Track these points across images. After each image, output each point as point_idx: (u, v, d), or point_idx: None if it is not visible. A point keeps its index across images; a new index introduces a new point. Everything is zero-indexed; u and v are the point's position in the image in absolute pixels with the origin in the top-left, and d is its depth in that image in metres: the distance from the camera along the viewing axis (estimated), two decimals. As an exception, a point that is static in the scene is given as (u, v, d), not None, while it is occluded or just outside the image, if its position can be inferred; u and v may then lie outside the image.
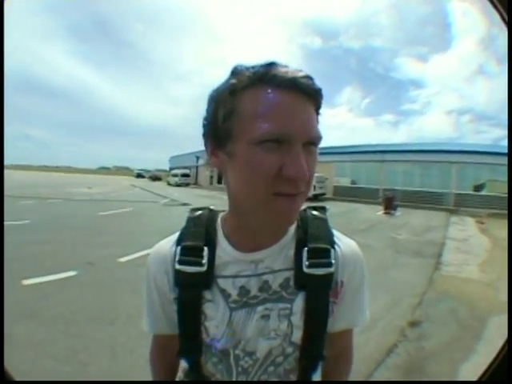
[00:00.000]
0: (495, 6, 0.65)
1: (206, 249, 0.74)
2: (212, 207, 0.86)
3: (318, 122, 0.64)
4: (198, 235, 0.76)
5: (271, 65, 0.59)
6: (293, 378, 0.75)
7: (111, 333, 3.49)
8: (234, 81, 0.61)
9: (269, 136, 0.57)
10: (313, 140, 0.61)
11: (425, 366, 3.14)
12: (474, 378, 0.73)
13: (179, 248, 0.75)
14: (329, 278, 0.72)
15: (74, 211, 13.16)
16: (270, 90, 0.58)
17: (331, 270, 0.72)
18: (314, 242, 0.74)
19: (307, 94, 0.59)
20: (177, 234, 0.80)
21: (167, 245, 0.80)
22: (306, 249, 0.73)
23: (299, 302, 0.72)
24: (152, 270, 0.80)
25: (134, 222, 11.12)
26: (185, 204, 17.47)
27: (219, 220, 0.80)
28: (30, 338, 3.29)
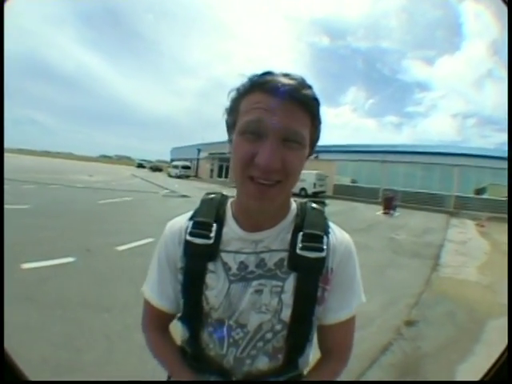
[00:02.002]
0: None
1: (214, 225, 0.84)
2: (224, 193, 0.95)
3: (310, 124, 0.73)
4: (209, 213, 0.87)
5: (266, 74, 0.71)
6: (280, 357, 0.82)
7: (107, 320, 3.50)
8: (240, 86, 0.74)
9: (246, 127, 0.69)
10: (289, 136, 0.68)
11: (421, 365, 3.14)
12: (476, 378, 0.74)
13: (191, 222, 0.86)
14: (320, 262, 0.80)
15: (74, 198, 13.17)
16: (258, 95, 0.69)
17: (322, 254, 0.80)
18: (310, 228, 0.82)
19: (291, 99, 0.67)
20: (191, 212, 0.90)
21: (182, 220, 0.90)
22: (301, 233, 0.81)
23: (290, 282, 0.79)
24: (165, 242, 0.90)
25: (133, 212, 11.14)
26: (184, 196, 17.54)
27: (229, 203, 0.91)
28: (27, 321, 3.30)
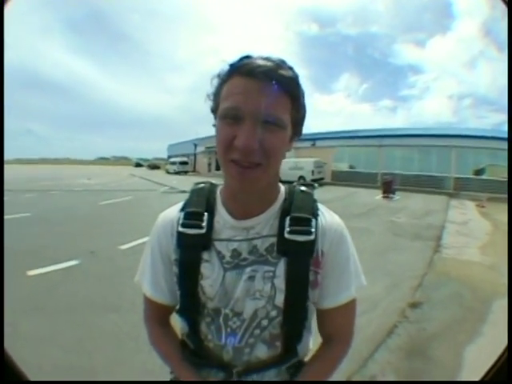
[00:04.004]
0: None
1: (206, 214, 0.84)
2: (213, 181, 0.96)
3: (290, 105, 0.73)
4: (199, 203, 0.87)
5: (243, 58, 0.72)
6: (278, 344, 0.83)
7: (116, 320, 3.52)
8: (221, 72, 0.75)
9: (225, 111, 0.70)
10: (266, 118, 0.68)
11: (427, 347, 3.14)
12: (477, 378, 0.76)
13: (183, 213, 0.86)
14: (309, 245, 0.79)
15: (74, 202, 13.18)
16: (237, 79, 0.70)
17: (311, 237, 0.79)
18: (297, 211, 0.82)
19: (267, 80, 0.68)
20: (181, 203, 0.90)
21: (173, 211, 0.91)
22: (288, 217, 0.81)
23: (282, 266, 0.80)
24: (158, 234, 0.91)
25: (133, 211, 11.17)
26: (183, 191, 17.43)
27: (218, 191, 0.91)
28: (37, 329, 3.32)
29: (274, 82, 0.68)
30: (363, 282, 0.89)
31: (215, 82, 0.77)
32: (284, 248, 0.79)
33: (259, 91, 0.67)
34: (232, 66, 0.72)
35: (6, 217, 8.44)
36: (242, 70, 0.69)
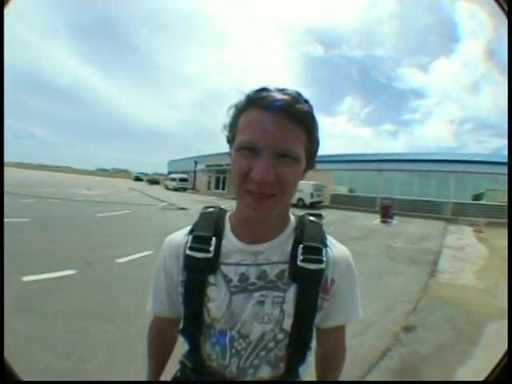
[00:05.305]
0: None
1: (214, 239, 0.85)
2: (222, 206, 0.98)
3: (305, 139, 0.75)
4: (207, 227, 0.88)
5: (261, 90, 0.75)
6: (282, 366, 0.84)
7: (109, 330, 3.52)
8: (238, 103, 0.77)
9: (242, 144, 0.72)
10: (282, 152, 0.71)
11: (419, 369, 3.16)
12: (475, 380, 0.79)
13: (191, 237, 0.88)
14: (319, 273, 0.83)
15: (73, 211, 13.18)
16: (254, 111, 0.73)
17: (322, 266, 0.83)
18: (309, 240, 0.85)
19: (284, 114, 0.70)
20: (190, 226, 0.92)
21: (181, 234, 0.93)
22: (301, 246, 0.84)
23: (291, 292, 0.82)
24: (164, 255, 0.93)
25: (132, 225, 11.17)
26: (182, 208, 17.51)
27: (227, 216, 0.93)
28: (29, 333, 3.32)
29: (290, 117, 0.71)
30: (359, 314, 0.95)
31: (232, 112, 0.79)
32: (296, 275, 0.82)
33: (276, 125, 0.70)
34: (249, 98, 0.75)
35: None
36: (259, 103, 0.72)
